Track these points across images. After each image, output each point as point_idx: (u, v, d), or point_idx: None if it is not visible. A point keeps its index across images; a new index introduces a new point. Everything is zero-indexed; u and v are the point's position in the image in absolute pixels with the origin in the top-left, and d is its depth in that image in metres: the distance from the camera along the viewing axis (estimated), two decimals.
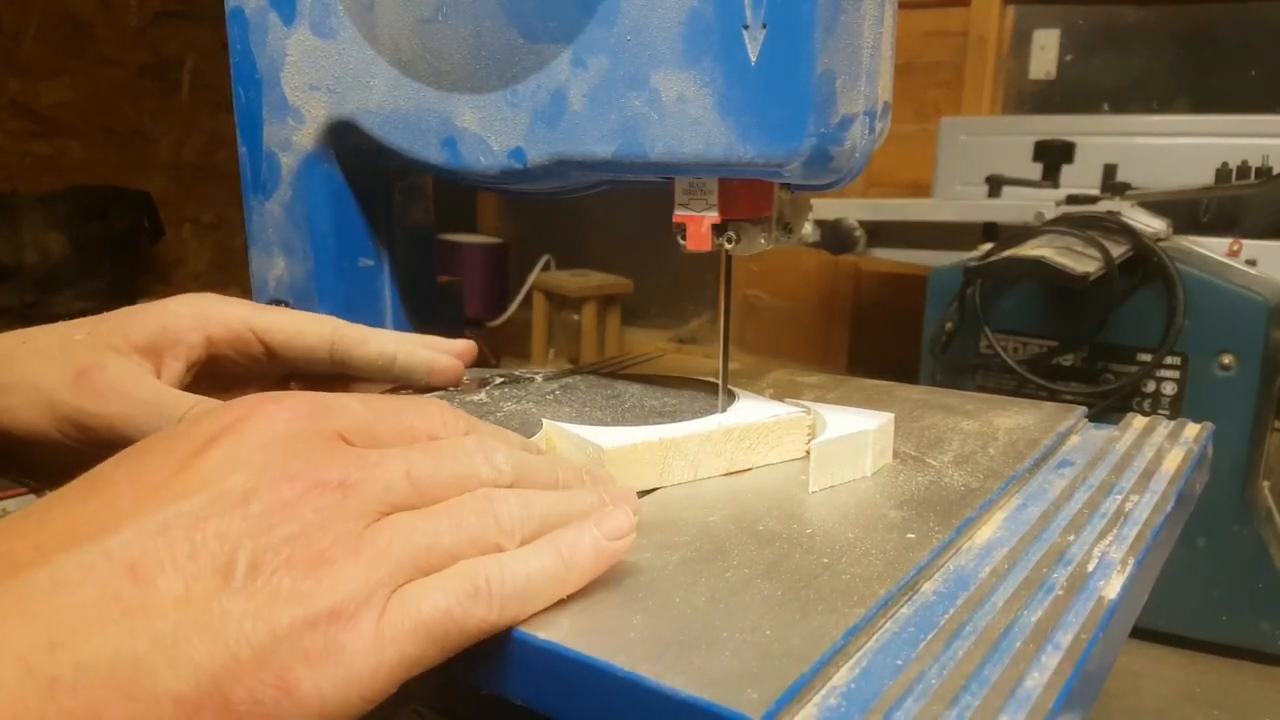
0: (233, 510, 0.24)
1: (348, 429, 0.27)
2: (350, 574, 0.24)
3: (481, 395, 0.48)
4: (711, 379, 0.53)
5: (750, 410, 0.44)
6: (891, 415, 0.43)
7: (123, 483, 0.25)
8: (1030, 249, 0.97)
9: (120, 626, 0.21)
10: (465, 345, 0.47)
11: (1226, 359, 0.96)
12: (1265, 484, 1.01)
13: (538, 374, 0.53)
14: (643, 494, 0.38)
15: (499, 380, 0.51)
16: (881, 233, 1.35)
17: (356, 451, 0.26)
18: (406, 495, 0.26)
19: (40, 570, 0.22)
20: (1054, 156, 1.34)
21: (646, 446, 0.39)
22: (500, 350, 2.53)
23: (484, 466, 0.29)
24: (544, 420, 0.42)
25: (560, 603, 0.28)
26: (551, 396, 0.48)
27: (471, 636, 0.26)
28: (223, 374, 0.42)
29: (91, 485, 0.25)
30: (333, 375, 0.45)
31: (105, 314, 0.41)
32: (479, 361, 0.49)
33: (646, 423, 0.42)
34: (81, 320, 0.40)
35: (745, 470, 0.41)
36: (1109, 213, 1.04)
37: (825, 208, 1.35)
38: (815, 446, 0.39)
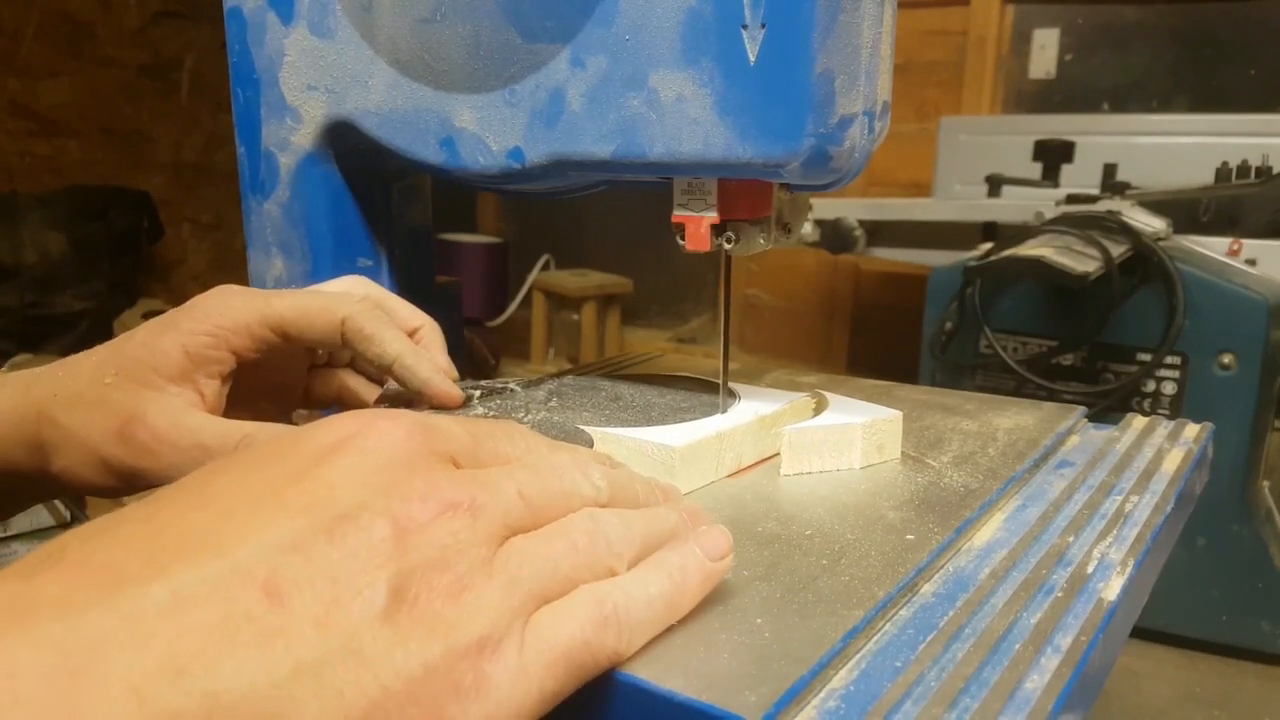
0: (367, 530, 0.22)
1: (456, 451, 0.26)
2: (489, 602, 0.23)
3: (477, 407, 0.47)
4: (696, 375, 0.53)
5: (763, 399, 0.45)
6: (899, 413, 0.43)
7: (234, 491, 0.22)
8: (1030, 249, 0.97)
9: (256, 652, 0.19)
10: (454, 381, 0.45)
11: (1226, 359, 0.96)
12: (1265, 484, 1.01)
13: (510, 383, 0.51)
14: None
15: (477, 393, 0.48)
16: (881, 232, 1.35)
17: (470, 472, 0.25)
18: (522, 516, 0.25)
19: (157, 584, 0.19)
20: (1054, 156, 1.34)
21: (706, 442, 0.39)
22: (500, 350, 2.53)
23: (584, 483, 0.27)
24: (585, 428, 0.41)
25: None
26: (554, 403, 0.47)
27: (601, 668, 0.24)
28: (250, 367, 0.41)
29: (198, 492, 0.23)
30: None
31: (124, 340, 0.39)
32: (478, 362, 0.49)
33: (680, 420, 0.42)
34: (104, 352, 0.39)
35: (755, 465, 0.42)
36: (1109, 212, 1.04)
37: (825, 207, 1.35)
38: (789, 431, 0.40)
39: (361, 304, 0.41)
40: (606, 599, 0.24)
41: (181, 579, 0.19)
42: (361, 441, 0.24)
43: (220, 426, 0.38)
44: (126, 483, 0.38)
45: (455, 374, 0.45)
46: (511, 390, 0.50)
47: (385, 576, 0.21)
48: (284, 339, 0.40)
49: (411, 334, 0.45)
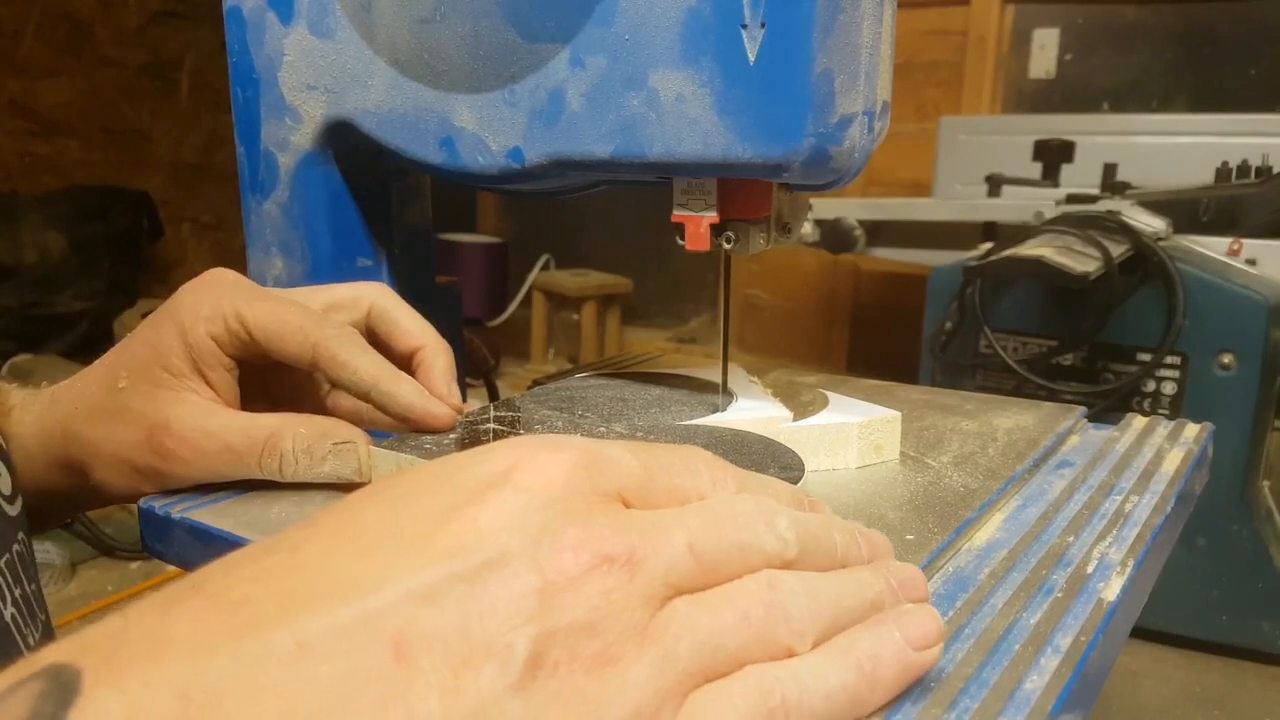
0: (511, 582, 0.19)
1: (625, 488, 0.23)
2: (638, 678, 0.20)
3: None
4: (684, 372, 0.54)
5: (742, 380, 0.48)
6: (897, 413, 0.43)
7: (379, 527, 0.21)
8: (1030, 249, 0.97)
9: (373, 716, 0.18)
10: (453, 408, 0.41)
11: (1226, 359, 0.96)
12: (1265, 484, 1.01)
13: (493, 408, 0.44)
14: None
15: (489, 426, 0.41)
16: (881, 232, 1.35)
17: (636, 515, 0.22)
18: (689, 573, 0.22)
19: (285, 630, 0.18)
20: (1054, 156, 1.34)
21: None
22: (500, 350, 2.53)
23: (768, 536, 0.23)
24: (722, 427, 0.41)
25: None
26: (595, 413, 0.44)
27: None
28: (259, 361, 0.39)
29: (349, 524, 0.21)
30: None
31: (128, 340, 0.39)
32: (478, 362, 0.48)
33: (698, 414, 0.43)
34: (112, 357, 0.39)
35: None
36: (1109, 212, 1.04)
37: (825, 207, 1.35)
38: (784, 430, 0.40)
39: (341, 329, 0.39)
40: (775, 688, 0.21)
41: (310, 626, 0.18)
42: (519, 477, 0.22)
43: (244, 426, 0.37)
44: (160, 487, 0.38)
45: (457, 401, 0.41)
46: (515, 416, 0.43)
47: (524, 638, 0.19)
48: (255, 344, 0.38)
49: (412, 354, 0.42)
